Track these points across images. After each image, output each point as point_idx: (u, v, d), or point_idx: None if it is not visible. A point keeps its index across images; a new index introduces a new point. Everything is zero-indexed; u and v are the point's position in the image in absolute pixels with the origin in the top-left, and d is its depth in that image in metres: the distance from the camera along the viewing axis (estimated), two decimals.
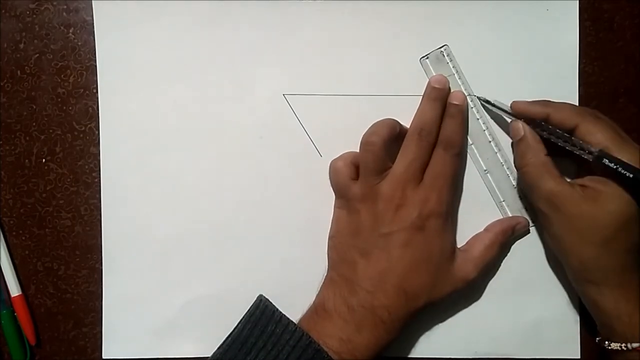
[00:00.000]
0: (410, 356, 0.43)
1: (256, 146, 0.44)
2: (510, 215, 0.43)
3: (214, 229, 0.44)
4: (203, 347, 0.43)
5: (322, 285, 0.41)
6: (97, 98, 0.44)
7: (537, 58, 0.44)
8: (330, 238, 0.42)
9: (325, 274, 0.42)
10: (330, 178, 0.43)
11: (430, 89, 0.42)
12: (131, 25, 0.43)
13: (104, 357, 0.44)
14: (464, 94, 0.42)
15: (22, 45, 0.44)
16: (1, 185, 0.44)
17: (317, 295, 0.41)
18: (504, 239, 0.42)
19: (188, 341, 0.43)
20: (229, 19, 0.43)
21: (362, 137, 0.41)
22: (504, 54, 0.44)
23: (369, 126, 0.41)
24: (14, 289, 0.44)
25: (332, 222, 0.43)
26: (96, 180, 0.44)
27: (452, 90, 0.42)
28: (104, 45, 0.43)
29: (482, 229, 0.43)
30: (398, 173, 0.40)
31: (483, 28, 0.43)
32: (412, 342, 0.43)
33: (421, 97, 0.43)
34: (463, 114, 0.42)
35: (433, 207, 0.40)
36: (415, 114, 0.42)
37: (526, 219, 0.43)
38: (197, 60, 0.43)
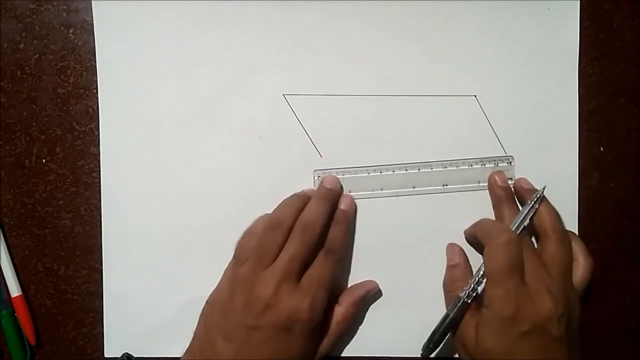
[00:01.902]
0: (410, 356, 0.43)
1: (256, 146, 0.44)
2: None
3: (213, 229, 0.44)
4: None
5: (185, 353, 0.41)
6: (97, 98, 0.44)
7: (537, 58, 0.44)
8: (206, 302, 0.41)
9: (192, 338, 0.41)
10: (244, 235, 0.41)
11: (321, 187, 0.42)
12: (131, 25, 0.43)
13: (106, 355, 0.44)
14: (353, 200, 0.43)
15: (22, 46, 0.44)
16: (1, 185, 0.44)
17: None
18: (356, 309, 0.42)
19: (188, 341, 0.42)
20: (229, 19, 0.43)
21: (270, 215, 0.41)
22: (504, 53, 0.44)
23: (282, 201, 0.41)
24: (14, 289, 0.44)
25: (216, 286, 0.42)
26: (96, 180, 0.44)
27: (344, 194, 0.43)
28: (104, 45, 0.43)
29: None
30: (279, 268, 0.39)
31: (483, 27, 0.43)
32: (413, 341, 0.43)
33: (421, 97, 0.43)
34: (348, 220, 0.42)
35: (303, 314, 0.39)
36: (304, 209, 0.41)
37: (376, 283, 0.43)
38: (197, 61, 0.43)
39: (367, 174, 0.44)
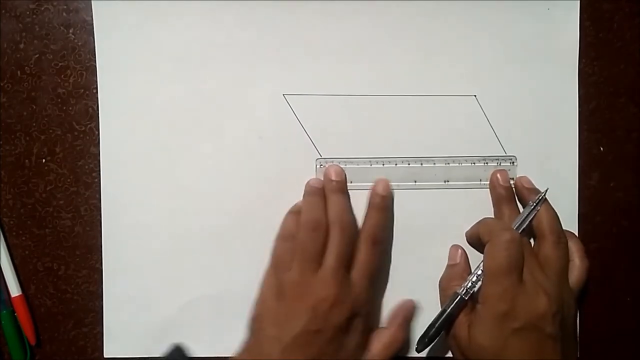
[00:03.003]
0: (410, 356, 0.43)
1: (256, 146, 0.44)
2: None
3: (213, 229, 0.44)
4: (203, 347, 0.43)
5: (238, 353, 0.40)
6: (97, 98, 0.44)
7: (537, 58, 0.44)
8: (252, 318, 0.40)
9: (243, 349, 0.40)
10: (280, 233, 0.41)
11: (331, 182, 0.42)
12: (131, 25, 0.43)
13: (105, 355, 0.44)
14: (389, 184, 0.42)
15: (22, 46, 0.44)
16: (1, 185, 0.44)
17: None
18: (403, 333, 0.42)
19: (188, 341, 0.42)
20: (229, 19, 0.43)
21: (303, 217, 0.40)
22: (504, 53, 0.44)
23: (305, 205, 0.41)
24: (14, 289, 0.44)
25: (258, 298, 0.41)
26: (96, 180, 0.44)
27: (378, 179, 0.42)
28: (104, 45, 0.43)
29: None
30: (331, 267, 0.39)
31: (483, 27, 0.43)
32: (412, 341, 0.43)
33: (421, 97, 0.43)
34: (388, 206, 0.42)
35: (360, 308, 0.39)
36: (330, 207, 0.41)
37: (412, 301, 0.43)
38: (196, 60, 0.43)
39: (369, 165, 0.44)
